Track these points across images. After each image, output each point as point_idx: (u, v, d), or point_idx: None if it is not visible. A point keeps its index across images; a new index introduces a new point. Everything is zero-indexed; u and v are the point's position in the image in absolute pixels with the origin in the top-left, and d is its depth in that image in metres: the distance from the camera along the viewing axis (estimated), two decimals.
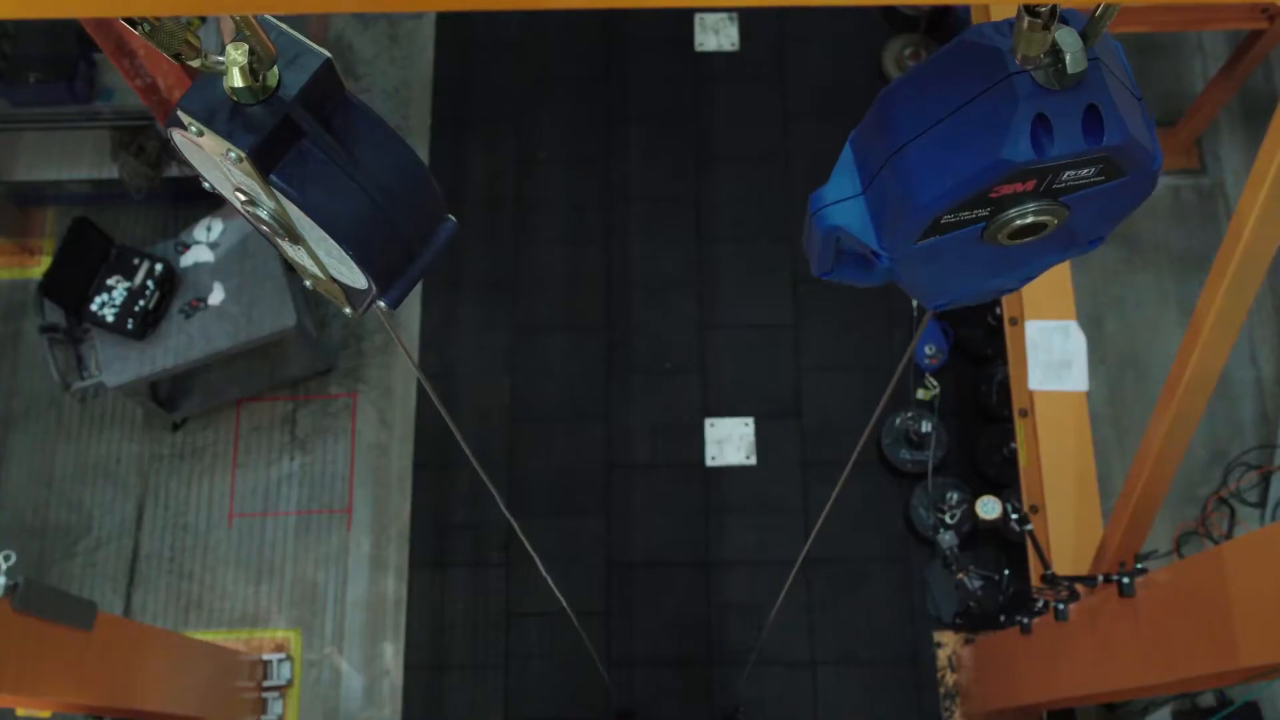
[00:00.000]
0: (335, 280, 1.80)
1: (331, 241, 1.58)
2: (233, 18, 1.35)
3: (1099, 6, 1.28)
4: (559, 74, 6.66)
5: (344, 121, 1.54)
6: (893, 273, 1.64)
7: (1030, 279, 1.74)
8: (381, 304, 1.76)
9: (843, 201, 1.56)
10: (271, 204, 1.56)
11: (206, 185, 1.73)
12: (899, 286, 1.69)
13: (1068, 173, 1.38)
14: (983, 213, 1.44)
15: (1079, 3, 1.33)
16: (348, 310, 1.88)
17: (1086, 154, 1.35)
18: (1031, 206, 1.42)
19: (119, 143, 5.80)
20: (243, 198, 1.61)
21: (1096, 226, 1.56)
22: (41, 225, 6.35)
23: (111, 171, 5.84)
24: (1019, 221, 1.44)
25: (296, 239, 1.66)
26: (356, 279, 1.71)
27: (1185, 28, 5.96)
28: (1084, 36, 1.31)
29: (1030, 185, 1.39)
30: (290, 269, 5.45)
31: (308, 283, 1.91)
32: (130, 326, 5.31)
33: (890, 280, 1.69)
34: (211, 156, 1.54)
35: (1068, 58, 1.29)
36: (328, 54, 1.48)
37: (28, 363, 6.06)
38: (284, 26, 1.45)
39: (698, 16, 6.67)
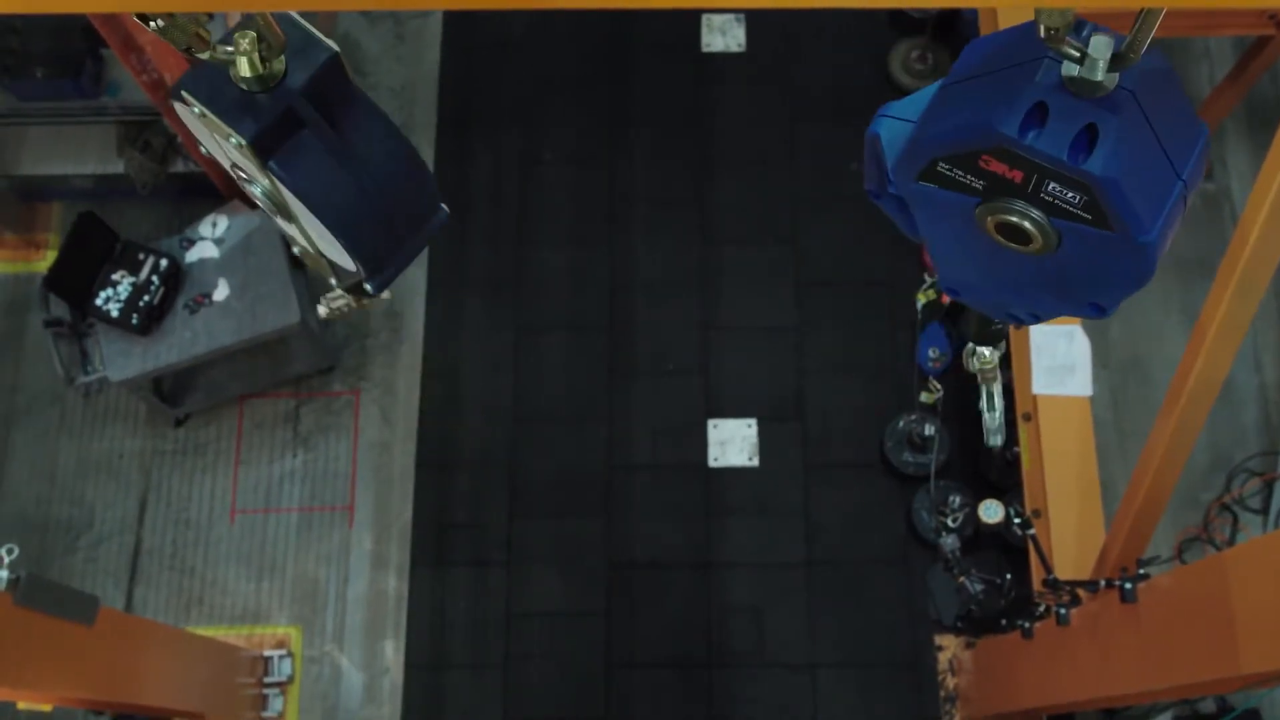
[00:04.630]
0: (323, 256, 1.81)
1: (323, 226, 1.59)
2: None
3: (1138, 20, 1.28)
4: (565, 74, 6.66)
5: (346, 113, 1.55)
6: (920, 229, 1.67)
7: (1038, 318, 1.75)
8: (368, 287, 1.78)
9: (897, 120, 1.59)
10: (266, 184, 1.58)
11: (203, 149, 1.74)
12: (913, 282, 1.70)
13: (1052, 184, 1.38)
14: (976, 184, 1.45)
15: (1087, 5, 1.33)
16: (333, 280, 1.90)
17: (1066, 168, 1.35)
18: (1017, 205, 1.43)
19: (125, 138, 5.81)
20: (241, 175, 1.62)
21: (1092, 287, 1.56)
22: (47, 220, 6.36)
23: (118, 167, 5.84)
24: (1004, 215, 1.45)
25: (290, 218, 1.67)
26: (345, 261, 1.72)
27: (1192, 33, 5.95)
28: (1122, 58, 1.32)
29: (1018, 176, 1.39)
30: (296, 266, 5.46)
31: (295, 249, 1.92)
32: (134, 322, 5.31)
33: (921, 238, 1.71)
34: (210, 134, 1.55)
35: (1098, 64, 1.30)
36: (336, 48, 1.48)
37: (31, 357, 6.06)
38: (296, 17, 1.45)
39: (705, 17, 6.67)
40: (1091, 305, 1.60)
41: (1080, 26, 1.31)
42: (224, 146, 1.55)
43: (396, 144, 1.62)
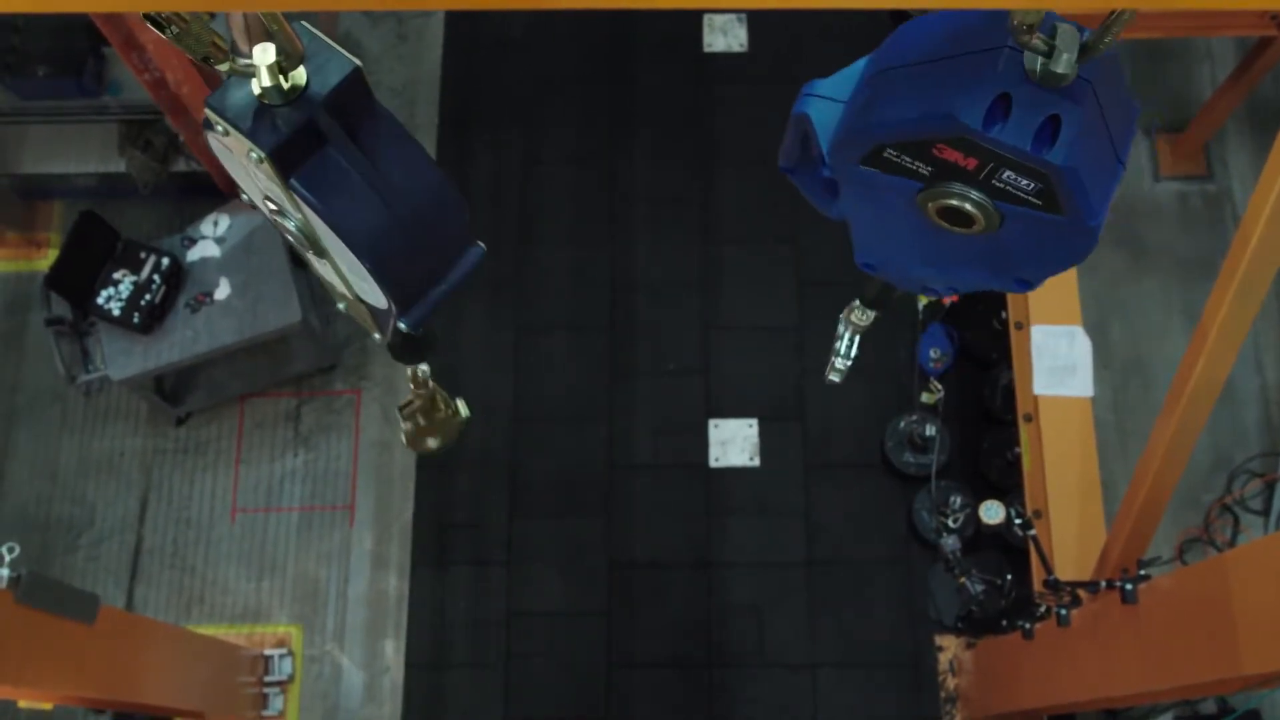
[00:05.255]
0: (362, 300, 1.78)
1: (352, 255, 1.56)
2: (262, 16, 1.34)
3: (1109, 18, 1.28)
4: (565, 74, 6.66)
5: (371, 133, 1.51)
6: (842, 208, 1.65)
7: (956, 290, 1.74)
8: (401, 325, 1.73)
9: (826, 99, 1.58)
10: (298, 215, 1.55)
11: (244, 198, 1.72)
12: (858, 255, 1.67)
13: (1007, 172, 1.37)
14: (924, 170, 1.43)
15: (1072, 6, 1.33)
16: (376, 336, 1.87)
17: (1027, 158, 1.34)
18: (963, 189, 1.42)
19: (127, 137, 5.80)
20: (272, 207, 1.60)
21: (1027, 264, 1.55)
22: (48, 218, 6.36)
23: (119, 165, 5.84)
24: (948, 200, 1.43)
25: (322, 253, 1.64)
26: (378, 298, 1.68)
27: (1194, 33, 5.95)
28: (1087, 49, 1.31)
29: (972, 164, 1.38)
30: (296, 264, 5.46)
31: (341, 305, 1.89)
32: (136, 320, 5.31)
33: (841, 217, 1.70)
34: (239, 160, 1.54)
35: (1063, 57, 1.29)
36: (358, 62, 1.46)
37: (33, 356, 6.06)
38: (316, 32, 1.44)
39: (706, 17, 6.67)
40: (1019, 281, 1.59)
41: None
42: (254, 175, 1.53)
43: (424, 167, 1.57)
